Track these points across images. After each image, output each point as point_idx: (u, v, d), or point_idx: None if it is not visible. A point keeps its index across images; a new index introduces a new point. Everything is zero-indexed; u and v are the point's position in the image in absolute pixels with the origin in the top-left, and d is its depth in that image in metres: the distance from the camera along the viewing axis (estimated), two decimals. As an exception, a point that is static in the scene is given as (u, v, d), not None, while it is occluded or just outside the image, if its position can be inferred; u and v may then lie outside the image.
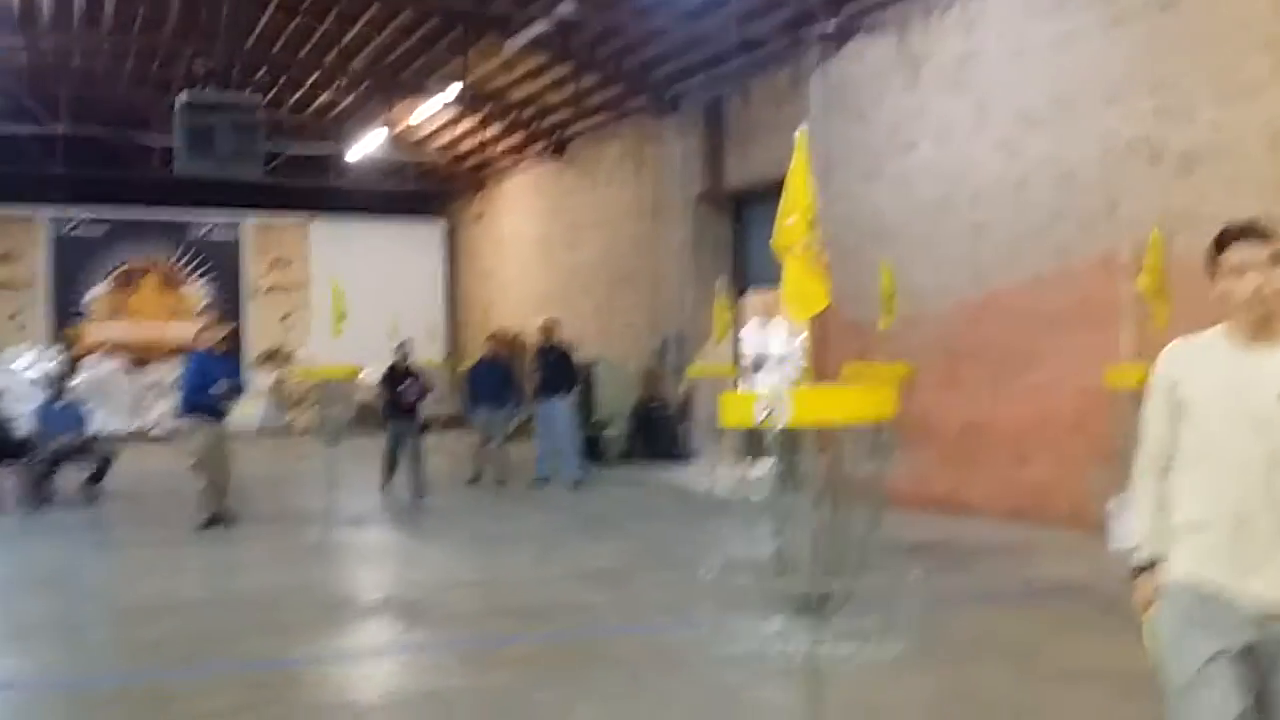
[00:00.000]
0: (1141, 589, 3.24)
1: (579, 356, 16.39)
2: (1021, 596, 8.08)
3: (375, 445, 13.86)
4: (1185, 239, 9.54)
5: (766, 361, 19.57)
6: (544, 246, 22.89)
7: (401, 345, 14.13)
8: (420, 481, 13.47)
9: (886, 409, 4.13)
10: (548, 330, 15.31)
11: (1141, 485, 3.29)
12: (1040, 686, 5.91)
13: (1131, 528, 3.31)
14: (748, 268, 17.23)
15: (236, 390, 11.91)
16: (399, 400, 13.65)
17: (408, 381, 13.74)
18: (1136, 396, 7.73)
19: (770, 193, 15.54)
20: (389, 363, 13.97)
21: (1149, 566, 3.23)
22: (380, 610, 7.94)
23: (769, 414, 4.08)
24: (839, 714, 4.74)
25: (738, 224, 17.46)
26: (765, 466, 4.51)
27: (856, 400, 4.22)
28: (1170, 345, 3.31)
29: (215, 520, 11.39)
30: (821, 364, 12.52)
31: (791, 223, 4.21)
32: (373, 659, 6.90)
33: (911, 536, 9.71)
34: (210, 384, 11.40)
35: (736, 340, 17.45)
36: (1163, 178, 9.88)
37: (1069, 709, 5.53)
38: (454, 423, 21.43)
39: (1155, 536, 3.23)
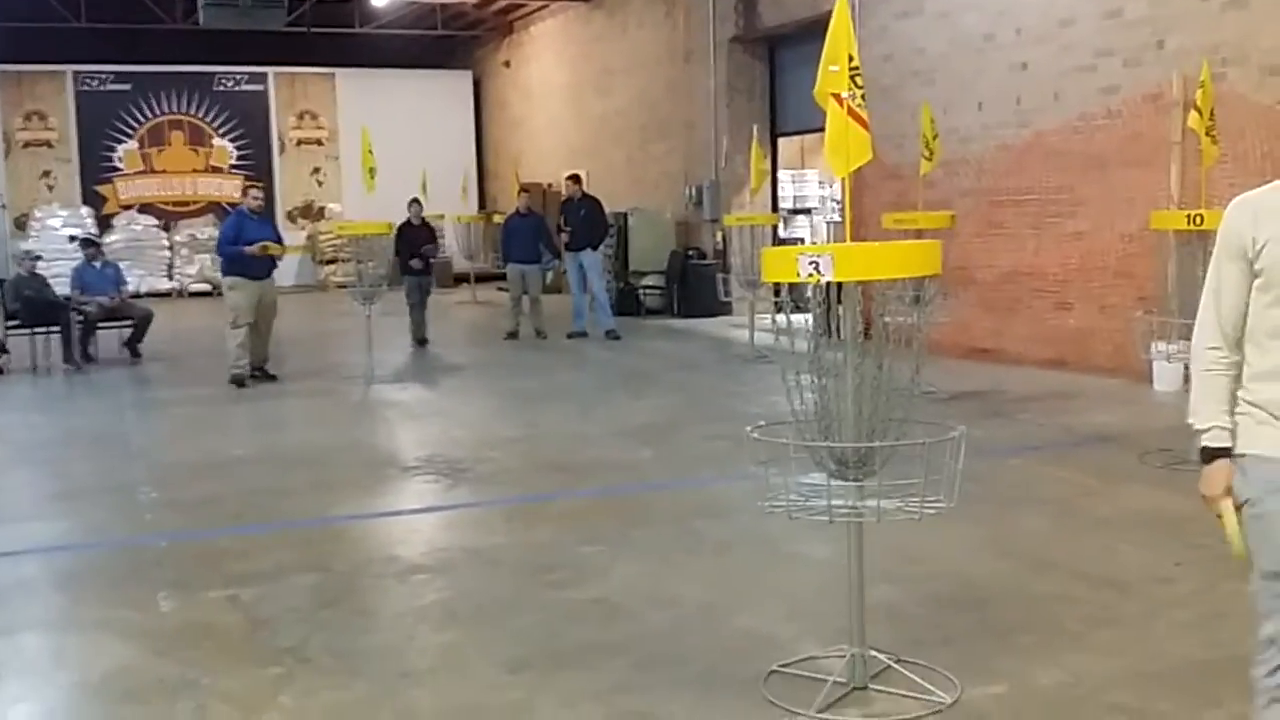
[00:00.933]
0: (1213, 475, 2.87)
1: (611, 207, 16.23)
2: (1063, 445, 8.05)
3: (400, 300, 13.96)
4: (1236, 74, 9.23)
5: (804, 210, 19.33)
6: (574, 94, 22.49)
7: (414, 202, 14.84)
8: (423, 326, 14.35)
9: (932, 265, 4.02)
10: (575, 182, 15.15)
11: (1211, 358, 2.88)
12: (1080, 534, 5.92)
13: (1200, 408, 2.91)
14: (782, 112, 16.88)
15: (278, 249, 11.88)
16: (413, 259, 14.27)
17: (423, 243, 14.51)
18: (1183, 239, 7.57)
19: (805, 34, 15.21)
20: (404, 219, 14.52)
21: (1223, 451, 2.86)
22: (423, 468, 8.01)
23: (813, 270, 3.99)
24: (881, 564, 4.76)
25: (772, 67, 17.04)
26: (805, 318, 4.43)
27: (902, 256, 4.11)
28: (1241, 199, 2.87)
29: (250, 379, 11.54)
30: (860, 211, 12.33)
31: (833, 72, 4.04)
32: (417, 516, 6.99)
33: (953, 386, 9.66)
34: (248, 243, 11.41)
35: (774, 187, 17.20)
36: (1212, 10, 9.49)
37: (1108, 556, 5.53)
38: (490, 277, 21.42)
39: (1229, 417, 2.86)
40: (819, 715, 3.89)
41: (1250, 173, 8.85)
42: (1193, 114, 7.69)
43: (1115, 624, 4.69)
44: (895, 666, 4.14)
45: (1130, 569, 5.36)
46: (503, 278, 16.37)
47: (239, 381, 11.40)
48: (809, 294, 4.33)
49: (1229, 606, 4.83)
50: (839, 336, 4.16)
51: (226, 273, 11.73)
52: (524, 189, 17.64)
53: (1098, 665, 4.26)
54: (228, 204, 24.40)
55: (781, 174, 18.01)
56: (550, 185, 21.73)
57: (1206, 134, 7.52)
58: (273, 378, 11.78)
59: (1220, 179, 8.83)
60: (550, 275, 16.57)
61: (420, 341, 14.28)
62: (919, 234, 9.51)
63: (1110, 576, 5.25)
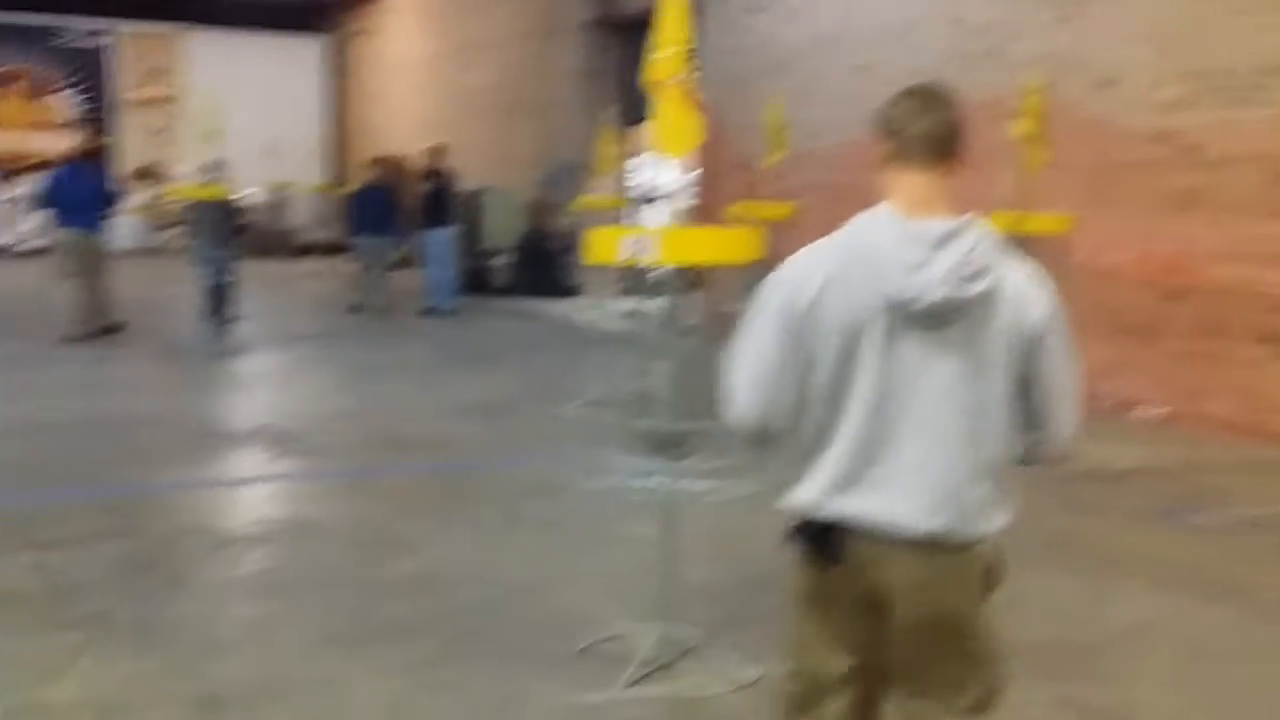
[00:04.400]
0: None
1: (466, 184, 16.09)
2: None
3: (249, 268, 13.56)
4: (1069, 84, 9.60)
5: (656, 196, 19.43)
6: (433, 67, 22.21)
7: (214, 165, 12.22)
8: (227, 307, 12.29)
9: (754, 252, 4.10)
10: (432, 156, 14.96)
11: None
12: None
13: None
14: (639, 98, 16.91)
15: (114, 198, 11.98)
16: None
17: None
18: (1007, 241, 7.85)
19: (661, 22, 14.91)
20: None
21: None
22: (252, 439, 7.85)
23: (635, 251, 4.03)
24: (696, 544, 4.82)
25: (630, 52, 17.07)
26: (648, 303, 4.48)
27: (724, 241, 4.18)
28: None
29: (89, 335, 11.41)
30: (711, 201, 12.46)
31: (665, 56, 4.09)
32: (240, 487, 6.84)
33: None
34: (85, 193, 11.39)
35: (624, 173, 17.26)
36: (1048, 22, 9.84)
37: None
38: (337, 249, 21.02)
39: None
40: (625, 691, 3.94)
41: (1077, 179, 9.24)
42: (1022, 121, 7.96)
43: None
44: (703, 645, 4.21)
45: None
46: (352, 250, 16.08)
47: (79, 339, 11.35)
48: (649, 279, 4.39)
49: (1032, 594, 5.03)
50: (671, 321, 4.23)
51: (63, 224, 11.63)
52: (375, 161, 17.33)
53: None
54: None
55: (638, 160, 18.07)
56: (404, 158, 21.43)
57: (1035, 141, 7.80)
58: (117, 329, 11.72)
59: (1049, 185, 9.15)
60: (400, 249, 16.33)
61: (219, 322, 12.16)
62: (763, 225, 9.64)
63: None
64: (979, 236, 2.41)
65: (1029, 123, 7.75)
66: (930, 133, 2.47)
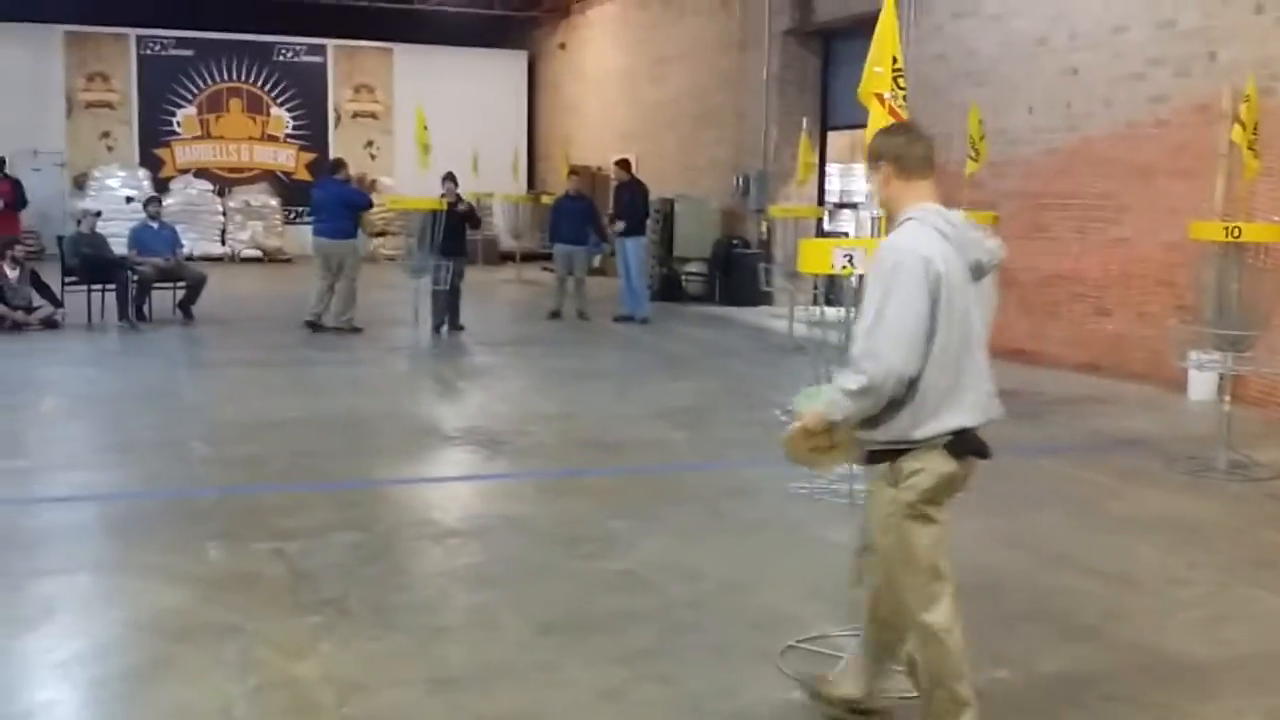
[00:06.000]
0: None
1: (659, 193, 16.38)
2: (1090, 448, 8.16)
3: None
4: (1287, 90, 9.28)
5: (849, 204, 19.39)
6: (628, 80, 22.64)
7: (448, 178, 13.49)
8: (455, 315, 13.35)
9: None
10: (622, 167, 15.33)
11: None
12: (1096, 533, 6.05)
13: None
14: (834, 106, 16.96)
15: (365, 206, 14.15)
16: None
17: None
18: (1221, 250, 7.65)
19: (860, 29, 15.27)
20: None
21: None
22: (463, 438, 8.24)
23: (846, 262, 4.16)
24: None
25: (825, 61, 17.12)
26: (842, 311, 4.59)
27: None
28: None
29: (332, 328, 13.07)
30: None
31: (879, 72, 4.21)
32: (455, 483, 7.21)
33: (985, 384, 9.76)
34: (337, 204, 13.21)
35: (821, 181, 17.30)
36: (1265, 25, 9.53)
37: (1122, 554, 5.66)
38: (536, 257, 21.64)
39: None
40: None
41: (1294, 187, 8.93)
42: (1235, 126, 7.75)
43: (1122, 618, 4.83)
44: (905, 647, 4.30)
45: (1143, 568, 5.49)
46: (548, 257, 16.54)
47: (309, 325, 13.04)
48: (846, 288, 4.50)
49: (1238, 610, 4.97)
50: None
51: (340, 235, 13.38)
52: (574, 171, 17.81)
53: (1099, 656, 4.41)
54: (281, 172, 24.85)
55: (830, 168, 18.09)
56: (599, 168, 21.91)
57: (1249, 147, 7.60)
58: (354, 330, 13.13)
59: (1263, 192, 8.90)
60: (597, 258, 16.73)
61: (438, 327, 13.17)
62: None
63: (1122, 573, 5.38)
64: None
65: (1243, 129, 7.55)
66: (926, 154, 3.50)
